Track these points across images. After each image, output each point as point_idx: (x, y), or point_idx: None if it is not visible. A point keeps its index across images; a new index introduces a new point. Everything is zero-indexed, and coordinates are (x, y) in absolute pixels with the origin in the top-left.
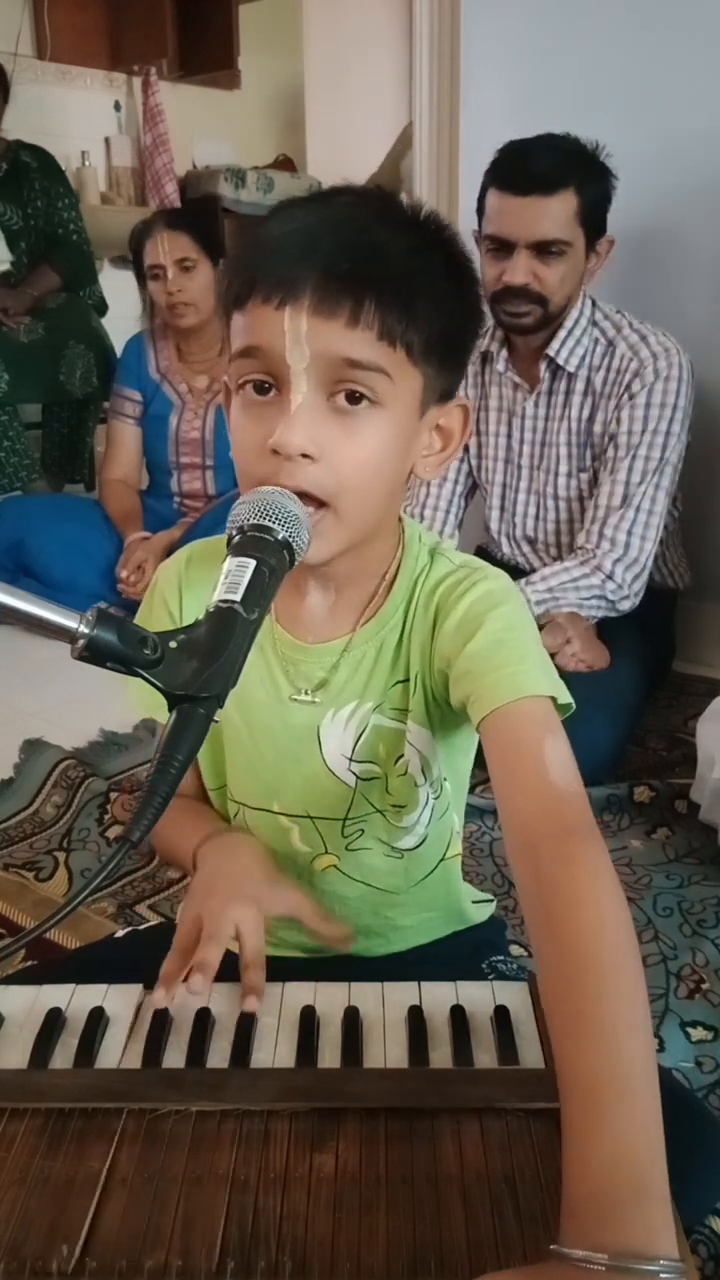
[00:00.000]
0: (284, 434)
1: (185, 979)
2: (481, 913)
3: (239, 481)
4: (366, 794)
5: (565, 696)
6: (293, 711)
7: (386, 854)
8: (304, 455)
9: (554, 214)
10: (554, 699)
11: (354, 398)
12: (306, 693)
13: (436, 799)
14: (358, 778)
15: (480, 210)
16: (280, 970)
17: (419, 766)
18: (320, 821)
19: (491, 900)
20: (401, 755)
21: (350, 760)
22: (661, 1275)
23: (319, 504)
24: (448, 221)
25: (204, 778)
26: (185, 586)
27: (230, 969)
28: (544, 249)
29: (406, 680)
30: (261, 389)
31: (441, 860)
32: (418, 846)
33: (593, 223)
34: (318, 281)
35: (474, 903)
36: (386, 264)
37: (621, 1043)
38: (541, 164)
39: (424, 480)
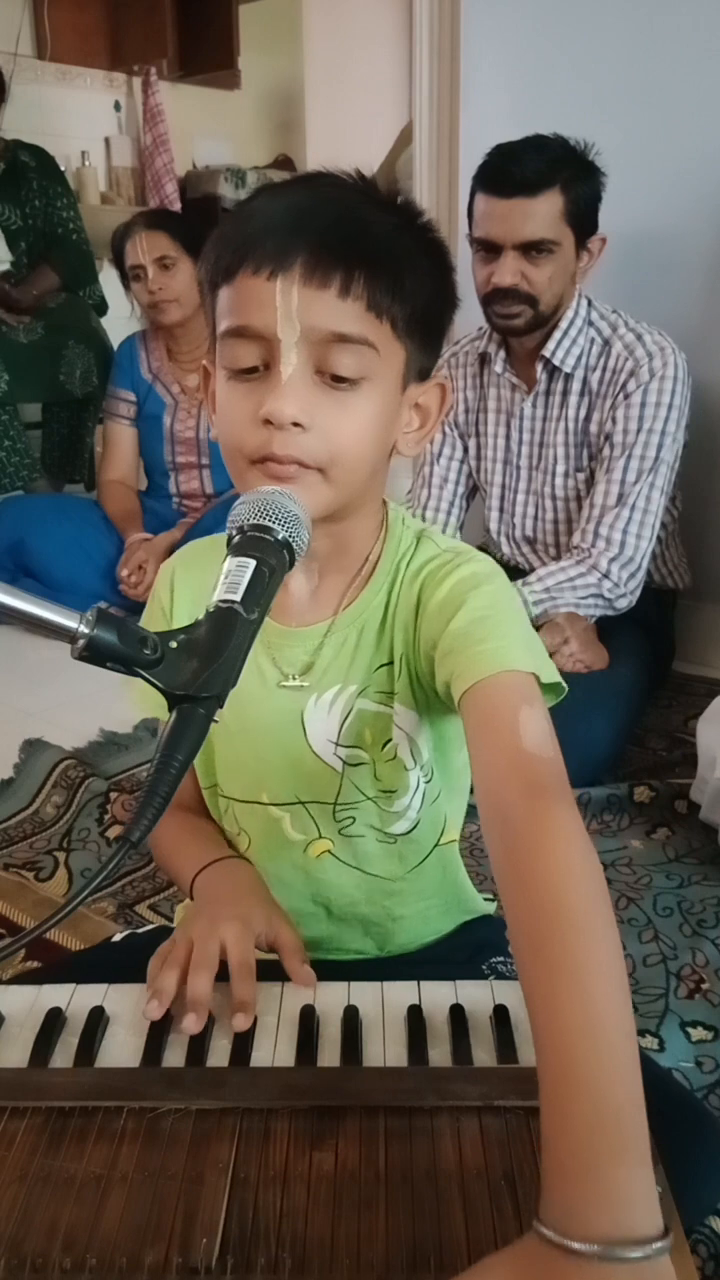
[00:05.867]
0: (276, 403)
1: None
2: (486, 903)
3: (224, 456)
4: (355, 781)
5: (551, 676)
6: (278, 698)
7: (380, 839)
8: (296, 424)
9: (539, 214)
10: (539, 679)
11: (340, 379)
12: (294, 678)
13: (428, 783)
14: (344, 763)
15: (470, 214)
16: (280, 970)
17: (408, 750)
18: (311, 806)
19: (494, 900)
20: (389, 740)
21: (336, 745)
22: (652, 1260)
23: (307, 467)
24: (424, 208)
25: (198, 777)
26: (176, 583)
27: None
28: (531, 249)
29: (391, 663)
30: (250, 369)
31: (436, 846)
32: (410, 831)
33: (581, 221)
34: (309, 253)
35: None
36: (374, 238)
37: (595, 992)
38: (525, 166)
39: (416, 471)
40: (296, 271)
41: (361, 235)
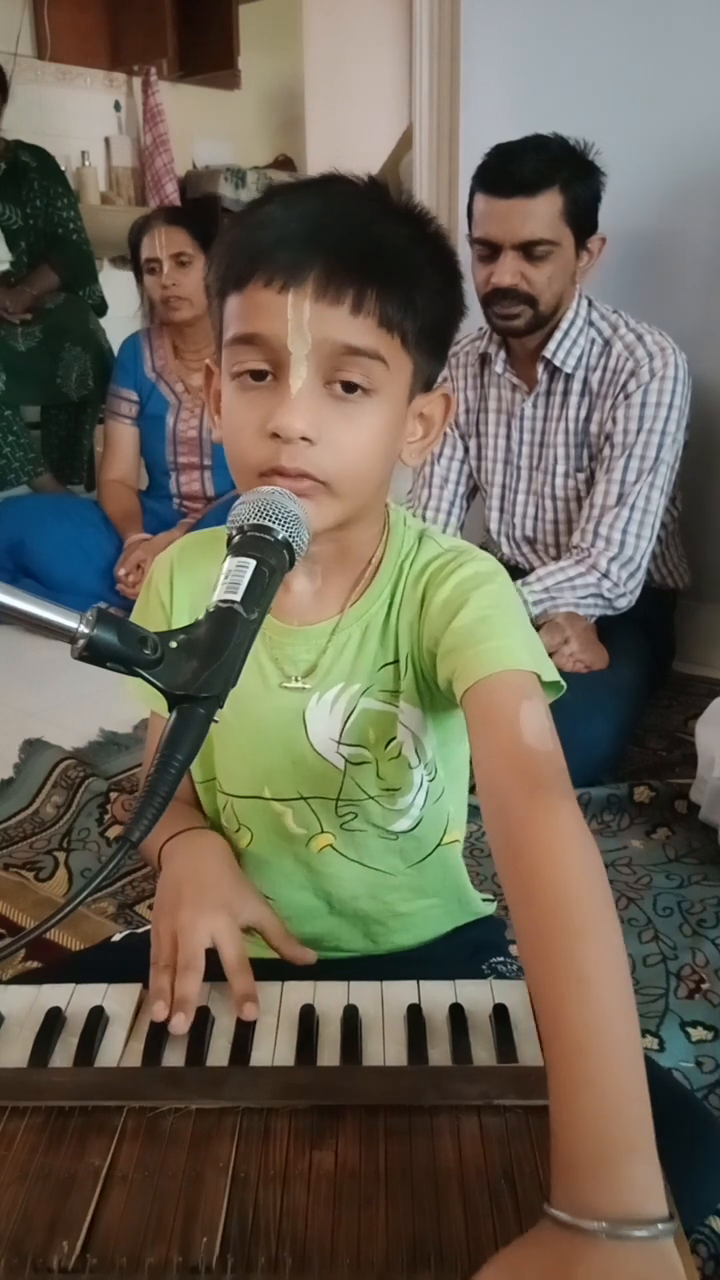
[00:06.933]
0: (284, 417)
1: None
2: (486, 904)
3: (230, 465)
4: (357, 779)
5: (551, 675)
6: (280, 698)
7: (380, 835)
8: (304, 439)
9: (538, 215)
10: (539, 677)
11: (350, 387)
12: (296, 679)
13: (431, 782)
14: (347, 761)
15: (470, 214)
16: (280, 970)
17: (412, 748)
18: (314, 801)
19: (493, 900)
20: (394, 738)
21: (338, 743)
22: (659, 1240)
23: (314, 481)
24: (434, 215)
25: (192, 771)
26: (176, 573)
27: (222, 969)
28: (530, 249)
29: (396, 661)
30: (258, 375)
31: (439, 845)
32: (413, 829)
33: (581, 221)
34: (322, 268)
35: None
36: (388, 254)
37: (599, 994)
38: (524, 166)
39: (417, 471)
40: (309, 286)
41: (375, 250)
